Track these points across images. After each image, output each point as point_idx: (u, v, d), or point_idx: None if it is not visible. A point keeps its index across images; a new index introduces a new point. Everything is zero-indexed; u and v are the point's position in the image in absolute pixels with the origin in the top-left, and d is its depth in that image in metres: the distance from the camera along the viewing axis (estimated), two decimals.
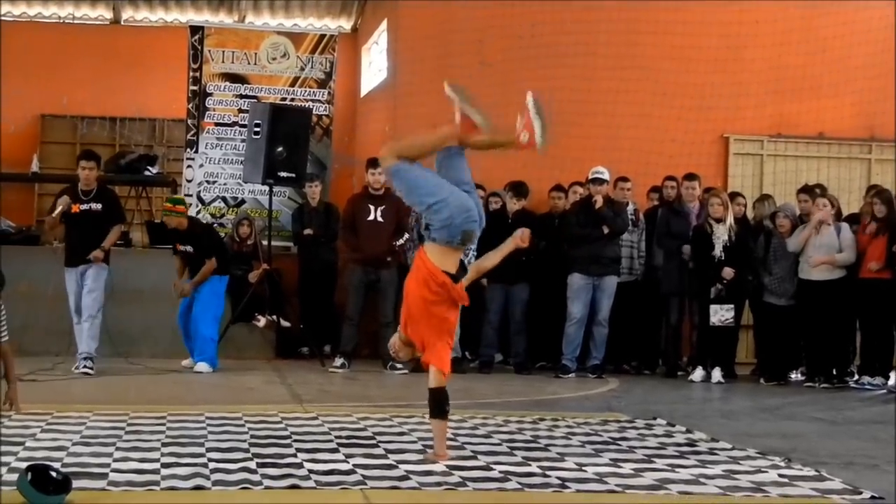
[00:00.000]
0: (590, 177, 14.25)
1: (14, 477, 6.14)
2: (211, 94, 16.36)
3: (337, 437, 8.33)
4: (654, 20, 16.47)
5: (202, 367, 13.31)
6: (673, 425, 9.44)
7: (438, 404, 7.54)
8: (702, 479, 6.99)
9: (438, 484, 6.66)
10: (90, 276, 12.77)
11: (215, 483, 6.49)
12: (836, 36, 16.81)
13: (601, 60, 16.38)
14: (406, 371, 13.32)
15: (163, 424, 8.72)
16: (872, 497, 6.55)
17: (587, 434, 8.90)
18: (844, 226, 13.75)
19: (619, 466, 7.38)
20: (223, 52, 16.44)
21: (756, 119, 16.88)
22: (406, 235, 14.09)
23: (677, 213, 14.57)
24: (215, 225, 16.05)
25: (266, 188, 14.86)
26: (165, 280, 14.99)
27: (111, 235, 12.89)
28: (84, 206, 12.80)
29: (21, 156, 17.40)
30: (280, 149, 14.32)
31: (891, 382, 13.50)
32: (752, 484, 6.88)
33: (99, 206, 12.86)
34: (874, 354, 13.76)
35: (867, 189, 14.85)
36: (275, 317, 14.88)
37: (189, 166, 16.29)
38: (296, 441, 8.07)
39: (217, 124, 16.33)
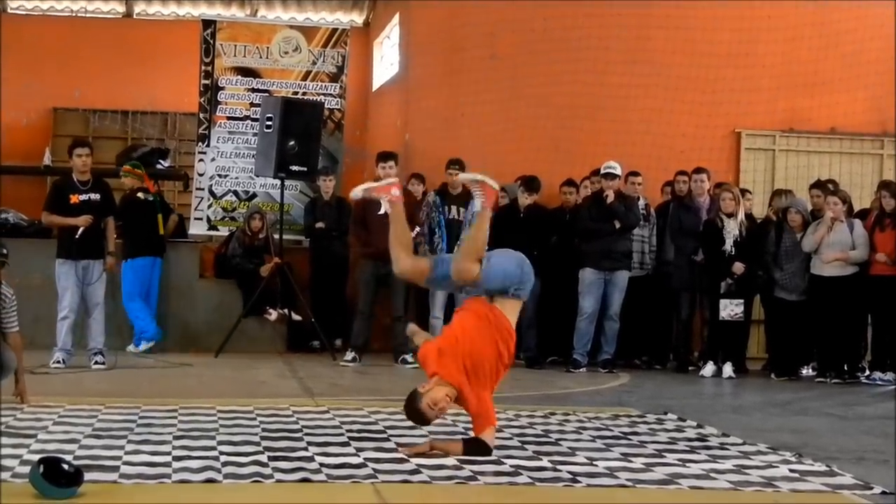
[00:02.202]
0: (601, 171, 14.23)
1: (26, 469, 6.15)
2: (223, 88, 16.34)
3: (348, 430, 8.35)
4: (665, 15, 16.45)
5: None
6: (684, 420, 9.43)
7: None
8: (712, 474, 6.98)
9: (449, 478, 6.66)
10: (96, 271, 12.71)
11: (227, 476, 6.50)
12: (848, 31, 16.78)
13: (613, 55, 16.37)
14: (417, 365, 13.31)
15: (174, 417, 8.74)
16: (883, 492, 6.55)
17: (598, 429, 8.90)
18: (857, 222, 13.71)
19: (630, 461, 7.38)
20: (235, 45, 16.42)
21: (768, 114, 16.86)
22: (417, 229, 14.06)
23: (688, 208, 14.56)
24: (227, 219, 16.09)
25: (278, 182, 14.88)
26: (176, 273, 15.07)
27: (111, 235, 12.86)
28: (83, 197, 12.71)
29: (33, 149, 17.45)
30: (292, 143, 14.32)
31: None
32: (763, 479, 6.87)
33: (98, 196, 12.78)
34: (885, 350, 13.72)
35: (878, 184, 14.81)
36: (286, 310, 14.90)
37: (201, 160, 16.27)
38: (307, 435, 8.09)
39: (229, 118, 16.31)
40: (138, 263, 14.26)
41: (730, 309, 13.77)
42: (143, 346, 14.17)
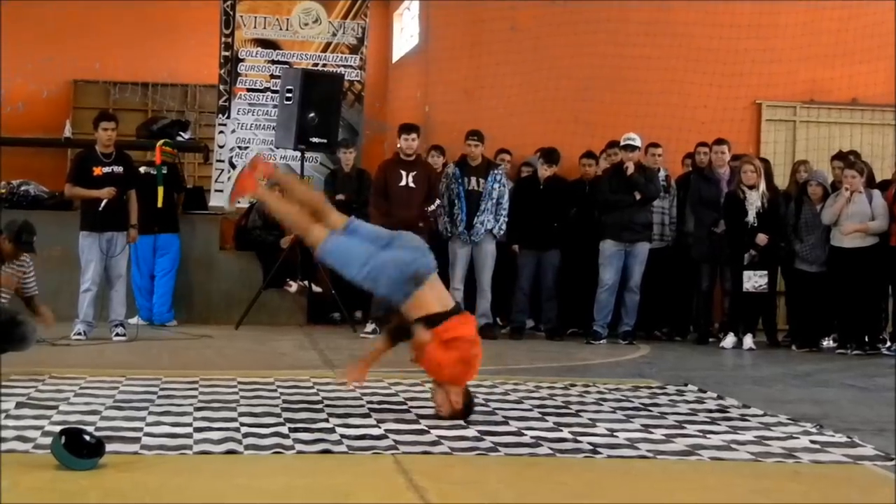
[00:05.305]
0: (621, 143, 14.21)
1: (48, 440, 6.18)
2: (243, 60, 16.34)
3: (368, 402, 8.36)
4: None
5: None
6: (704, 391, 9.42)
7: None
8: (733, 445, 6.97)
9: (470, 449, 6.67)
10: (119, 243, 12.75)
11: (247, 447, 6.51)
12: (869, 1, 16.69)
13: (633, 26, 16.32)
14: None
15: (195, 389, 8.76)
16: None
17: (618, 400, 8.89)
18: (876, 193, 13.64)
19: (651, 432, 7.37)
20: (255, 17, 16.41)
21: (789, 85, 16.79)
22: (437, 201, 14.07)
23: (708, 179, 14.51)
24: None
25: (298, 154, 14.88)
26: (196, 245, 15.09)
27: (134, 207, 12.88)
28: (106, 170, 12.75)
29: (54, 121, 17.44)
30: (312, 115, 14.33)
31: None
32: (784, 450, 6.86)
33: (121, 168, 12.82)
34: None
35: None
36: (306, 282, 14.92)
37: (221, 132, 16.28)
38: (327, 406, 8.10)
39: (249, 90, 16.31)
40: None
41: (754, 280, 13.75)
42: (140, 320, 14.24)
